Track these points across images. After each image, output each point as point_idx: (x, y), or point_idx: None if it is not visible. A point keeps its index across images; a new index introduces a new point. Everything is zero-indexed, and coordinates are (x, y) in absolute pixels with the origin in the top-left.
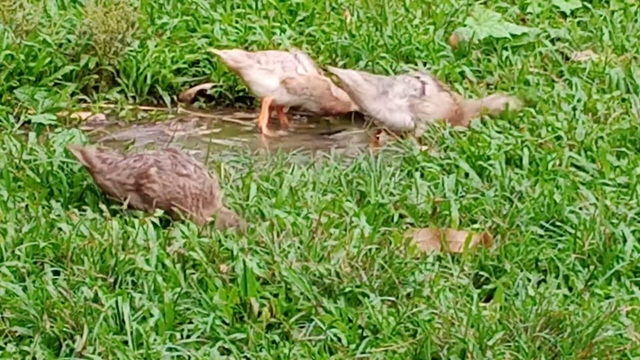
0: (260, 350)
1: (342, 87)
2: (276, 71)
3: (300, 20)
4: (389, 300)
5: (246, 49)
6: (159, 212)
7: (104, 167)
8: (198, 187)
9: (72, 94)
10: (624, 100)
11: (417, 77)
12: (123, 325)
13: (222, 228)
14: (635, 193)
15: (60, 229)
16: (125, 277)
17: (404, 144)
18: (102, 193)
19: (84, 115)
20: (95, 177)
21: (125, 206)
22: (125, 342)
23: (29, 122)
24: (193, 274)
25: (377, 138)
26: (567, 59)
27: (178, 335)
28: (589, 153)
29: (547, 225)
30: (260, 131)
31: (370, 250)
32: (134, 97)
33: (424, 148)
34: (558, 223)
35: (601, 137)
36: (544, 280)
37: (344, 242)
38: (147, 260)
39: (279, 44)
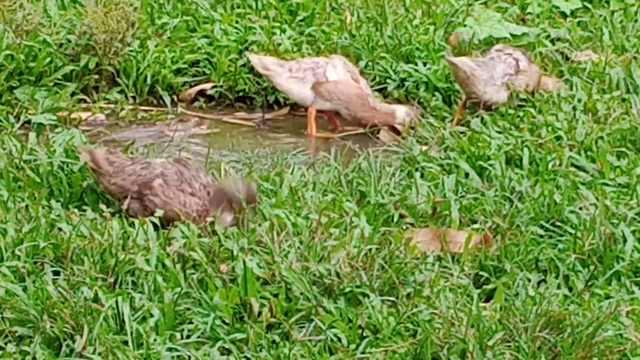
0: (260, 351)
1: (457, 75)
2: (307, 79)
3: (301, 20)
4: (389, 300)
5: (246, 49)
6: (159, 213)
7: (110, 169)
8: (200, 204)
9: (72, 94)
10: (624, 100)
11: (509, 54)
12: (123, 325)
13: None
14: (635, 193)
15: (60, 229)
16: (125, 277)
17: (404, 144)
18: (102, 192)
19: (84, 115)
20: (100, 179)
21: (125, 207)
22: (125, 342)
23: (29, 122)
24: (193, 274)
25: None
26: (567, 59)
27: (178, 335)
28: (589, 153)
29: (547, 225)
30: (310, 136)
31: (370, 250)
32: (134, 97)
33: (424, 148)
34: (558, 223)
35: (601, 137)
36: (544, 280)
37: (344, 242)
38: (147, 261)
39: (279, 44)
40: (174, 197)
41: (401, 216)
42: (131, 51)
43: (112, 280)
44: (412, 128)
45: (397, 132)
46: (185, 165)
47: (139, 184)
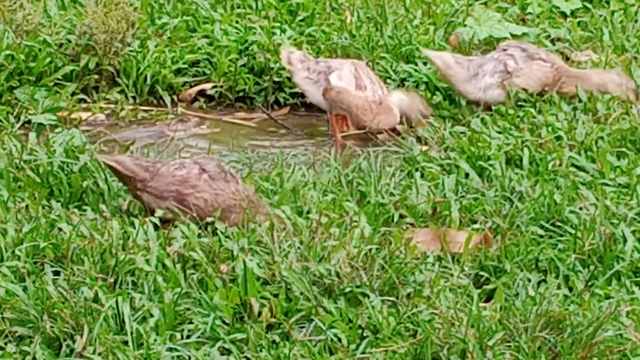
0: (261, 351)
1: (438, 70)
2: (320, 82)
3: (301, 21)
4: (389, 300)
5: (246, 49)
6: (159, 213)
7: (147, 175)
8: (247, 192)
9: (72, 94)
10: (624, 100)
11: (504, 50)
12: (123, 325)
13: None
14: (635, 193)
15: (60, 229)
16: (126, 277)
17: (404, 144)
18: (101, 194)
19: (84, 115)
20: (134, 187)
21: (125, 207)
22: (126, 342)
23: (29, 122)
24: (193, 274)
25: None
26: (567, 59)
27: (178, 335)
28: (589, 153)
29: (547, 225)
30: (335, 140)
31: (370, 250)
32: (134, 97)
33: (424, 148)
34: (558, 223)
35: (601, 137)
36: (544, 281)
37: (344, 242)
38: (147, 261)
39: (279, 44)
40: (225, 188)
41: (401, 216)
42: (131, 51)
43: (112, 280)
44: (411, 127)
45: (397, 132)
46: (214, 160)
47: (177, 184)
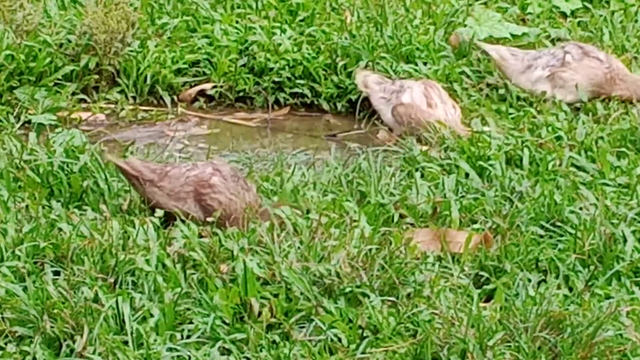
0: (261, 351)
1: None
2: (392, 101)
3: (301, 21)
4: (389, 300)
5: (246, 49)
6: (160, 212)
7: (155, 177)
8: (257, 201)
9: (72, 94)
10: (624, 100)
11: (562, 47)
12: (123, 325)
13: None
14: (636, 193)
15: (60, 229)
16: (126, 277)
17: (404, 144)
18: (101, 194)
19: (84, 115)
20: (142, 187)
21: (125, 207)
22: (126, 342)
23: (29, 122)
24: (193, 274)
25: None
26: None
27: (178, 335)
28: (589, 153)
29: (547, 225)
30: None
31: (370, 250)
32: (134, 97)
33: (424, 148)
34: (558, 223)
35: (601, 137)
36: (544, 281)
37: (344, 242)
38: (147, 261)
39: (279, 44)
40: (239, 196)
41: (401, 216)
42: (131, 51)
43: (112, 280)
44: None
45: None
46: (225, 164)
47: (193, 184)
